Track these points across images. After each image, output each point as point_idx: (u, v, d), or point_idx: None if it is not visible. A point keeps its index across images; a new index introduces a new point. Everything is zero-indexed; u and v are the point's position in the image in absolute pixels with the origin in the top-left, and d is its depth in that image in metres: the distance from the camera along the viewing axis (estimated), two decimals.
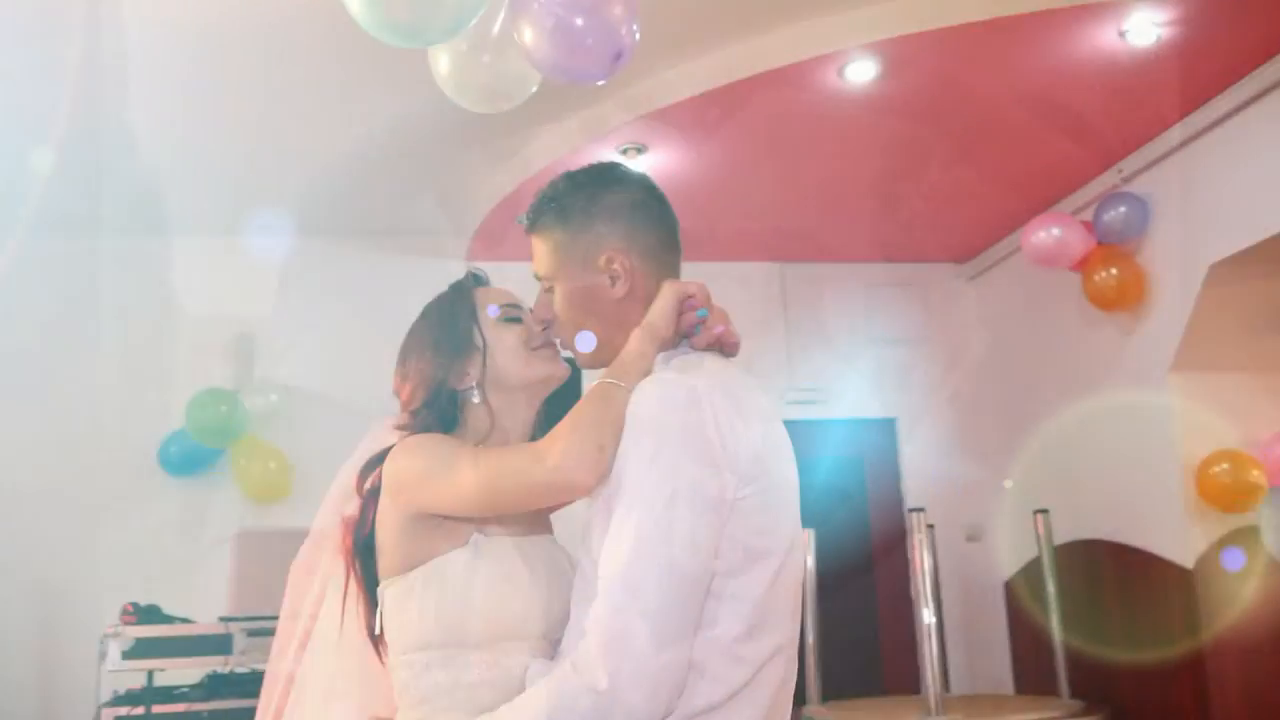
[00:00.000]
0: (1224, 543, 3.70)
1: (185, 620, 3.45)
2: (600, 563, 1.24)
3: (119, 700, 3.39)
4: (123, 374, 4.28)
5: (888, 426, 5.06)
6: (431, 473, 1.40)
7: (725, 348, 1.44)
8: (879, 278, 5.12)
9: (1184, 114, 3.61)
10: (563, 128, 3.76)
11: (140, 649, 3.29)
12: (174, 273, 4.40)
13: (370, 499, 1.49)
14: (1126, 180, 3.94)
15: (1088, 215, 4.01)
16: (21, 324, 4.29)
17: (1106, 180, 4.04)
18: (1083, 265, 3.95)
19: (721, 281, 5.22)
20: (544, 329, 1.52)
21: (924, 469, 4.98)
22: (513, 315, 1.55)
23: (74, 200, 4.12)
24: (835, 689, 4.27)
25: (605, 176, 1.47)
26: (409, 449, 1.44)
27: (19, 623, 3.99)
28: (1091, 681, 4.02)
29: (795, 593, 1.35)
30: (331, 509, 1.57)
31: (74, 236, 4.32)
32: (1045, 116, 3.60)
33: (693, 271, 5.15)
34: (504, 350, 1.52)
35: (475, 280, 1.62)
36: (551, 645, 1.41)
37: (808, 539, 4.21)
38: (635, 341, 1.38)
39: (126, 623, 3.31)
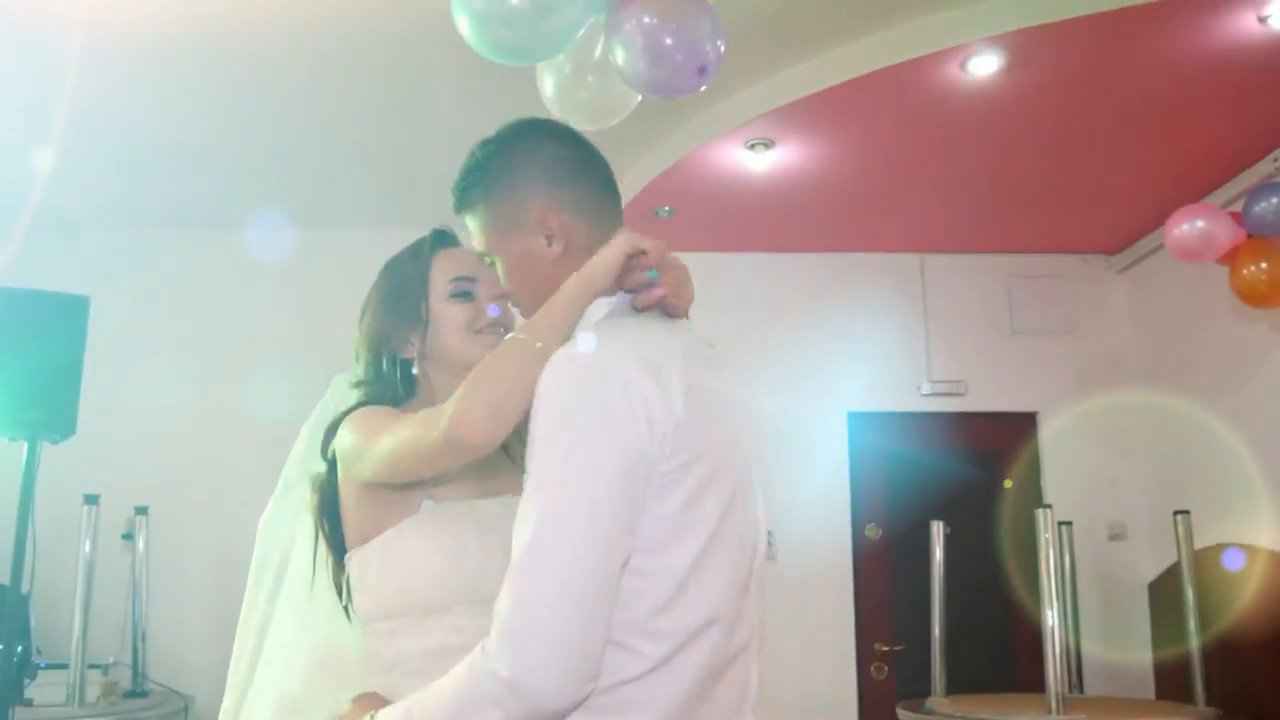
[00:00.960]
0: None
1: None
2: (513, 545, 1.20)
3: None
4: (294, 357, 4.66)
5: (1029, 420, 4.97)
6: (360, 446, 1.42)
7: (669, 309, 1.36)
8: (1024, 269, 5.02)
9: None
10: (692, 124, 3.87)
11: None
12: (338, 262, 4.75)
13: (334, 460, 1.50)
14: None
15: (1240, 207, 3.84)
16: (204, 311, 4.76)
17: (1261, 169, 3.86)
18: (1231, 259, 3.79)
19: (859, 271, 5.30)
20: (495, 309, 1.53)
21: (1066, 464, 4.87)
22: (463, 290, 1.55)
23: (245, 195, 4.54)
24: (967, 683, 4.26)
25: (517, 135, 1.42)
26: (348, 425, 1.46)
27: (199, 579, 4.44)
28: (1234, 690, 3.88)
29: (736, 565, 1.28)
30: (296, 463, 1.64)
31: (249, 229, 4.73)
32: (1187, 106, 3.48)
33: (831, 261, 5.23)
34: (448, 328, 1.53)
35: (437, 240, 1.61)
36: None
37: (937, 531, 4.21)
38: (566, 291, 1.31)
39: None
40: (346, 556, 1.50)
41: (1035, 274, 5.02)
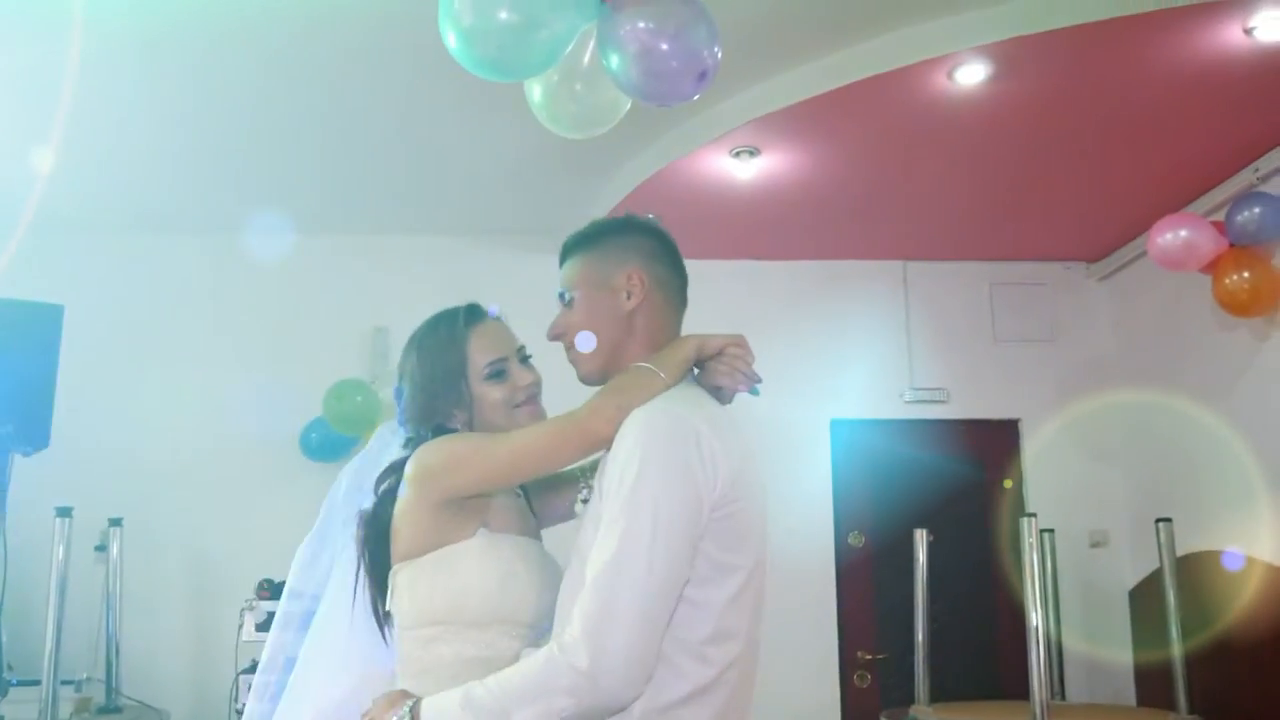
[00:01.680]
0: None
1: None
2: (589, 563, 1.42)
3: (255, 668, 3.67)
4: (270, 366, 4.60)
5: (1010, 428, 4.97)
6: (462, 454, 1.59)
7: (724, 393, 1.64)
8: (1005, 276, 5.03)
9: None
10: (678, 131, 3.85)
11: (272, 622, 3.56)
12: (316, 270, 4.70)
13: (385, 496, 1.66)
14: (1263, 180, 3.78)
15: (1222, 216, 3.86)
16: (178, 319, 4.68)
17: (1242, 180, 3.88)
18: (1213, 268, 3.81)
19: (843, 279, 5.28)
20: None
21: (1048, 472, 4.88)
22: (499, 370, 1.69)
23: (222, 200, 4.46)
24: (950, 692, 4.25)
25: (634, 221, 1.71)
26: (436, 444, 1.62)
27: (175, 591, 4.37)
28: (1214, 697, 3.89)
29: (756, 609, 1.52)
30: (342, 502, 1.77)
31: (225, 234, 4.66)
32: (1171, 116, 3.50)
33: (814, 269, 5.21)
34: (488, 406, 1.68)
35: (470, 316, 1.72)
36: (538, 633, 1.58)
37: (920, 539, 4.20)
38: (685, 345, 1.60)
39: (262, 598, 3.58)
40: (393, 570, 1.62)
41: (1016, 281, 5.03)
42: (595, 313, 1.64)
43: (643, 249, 1.66)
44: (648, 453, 1.43)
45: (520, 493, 1.78)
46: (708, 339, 1.61)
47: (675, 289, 1.69)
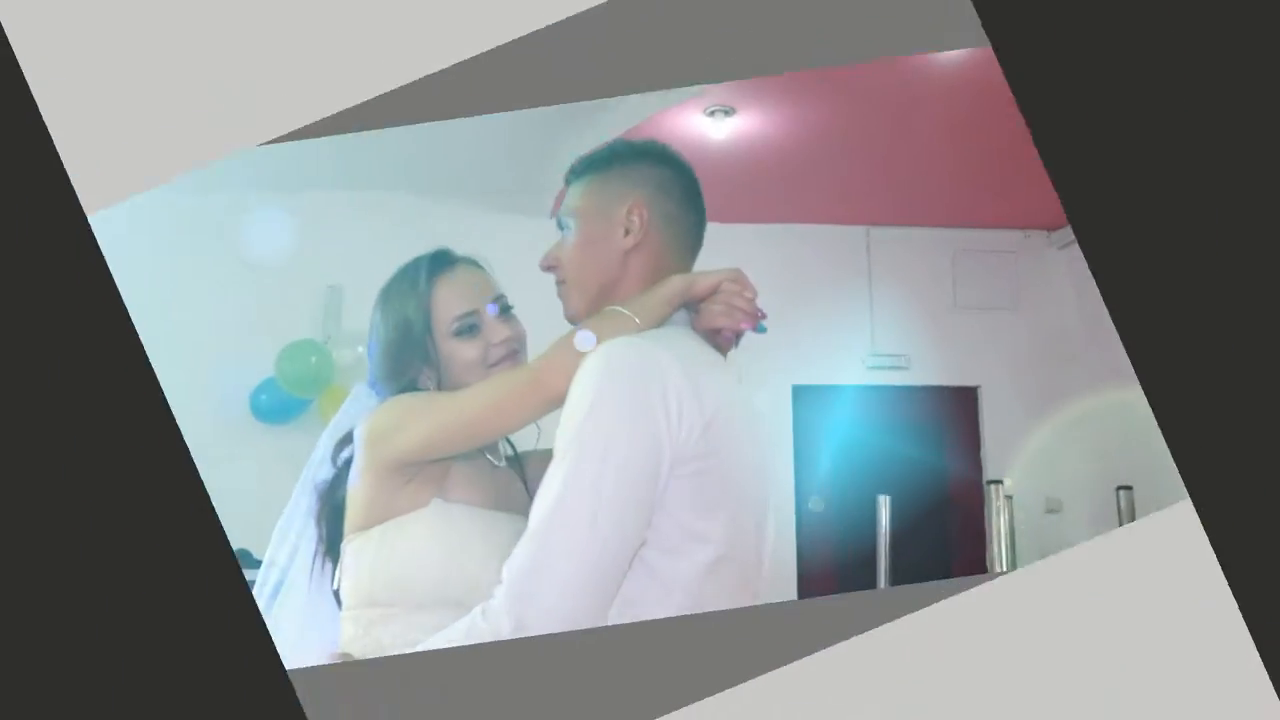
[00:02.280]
0: None
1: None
2: (531, 513, 1.25)
3: None
4: (216, 324, 4.42)
5: (969, 395, 4.99)
6: (410, 415, 1.46)
7: (723, 338, 1.44)
8: (968, 243, 5.03)
9: None
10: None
11: None
12: (256, 230, 4.50)
13: (343, 468, 1.55)
14: None
15: None
16: (120, 273, 4.45)
17: None
18: None
19: (805, 243, 5.20)
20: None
21: (1006, 438, 4.91)
22: (467, 325, 1.55)
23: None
24: None
25: (650, 148, 1.54)
26: (386, 404, 1.51)
27: None
28: None
29: (740, 594, 1.34)
30: (315, 471, 1.66)
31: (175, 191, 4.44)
32: None
33: (777, 233, 5.09)
34: (459, 366, 1.54)
35: (435, 264, 1.58)
36: None
37: (883, 504, 4.19)
38: (672, 285, 1.41)
39: None
40: (344, 543, 1.51)
41: (979, 248, 5.03)
42: (589, 246, 1.47)
43: (652, 180, 1.48)
44: (603, 386, 1.24)
45: (504, 464, 1.62)
46: (697, 277, 1.44)
47: (685, 230, 1.49)
